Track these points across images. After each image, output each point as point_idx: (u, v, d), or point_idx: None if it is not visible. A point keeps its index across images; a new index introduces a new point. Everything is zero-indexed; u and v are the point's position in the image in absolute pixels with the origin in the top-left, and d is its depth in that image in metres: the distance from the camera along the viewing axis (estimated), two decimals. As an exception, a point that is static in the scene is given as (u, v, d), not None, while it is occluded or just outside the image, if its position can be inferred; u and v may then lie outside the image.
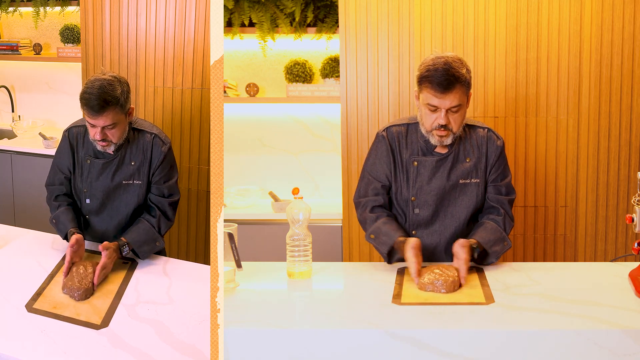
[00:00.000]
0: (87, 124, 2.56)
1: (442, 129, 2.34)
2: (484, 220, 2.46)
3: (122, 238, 2.56)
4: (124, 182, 2.66)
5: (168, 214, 2.70)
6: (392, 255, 2.43)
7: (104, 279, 2.39)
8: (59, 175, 2.73)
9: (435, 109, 2.33)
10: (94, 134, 2.54)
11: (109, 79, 2.50)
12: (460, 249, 2.28)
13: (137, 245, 2.57)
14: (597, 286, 2.18)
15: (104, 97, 2.45)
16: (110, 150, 2.62)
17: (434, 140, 2.39)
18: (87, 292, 2.28)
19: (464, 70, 2.31)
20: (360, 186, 2.55)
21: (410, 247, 2.28)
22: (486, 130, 2.48)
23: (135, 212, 2.71)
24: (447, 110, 2.32)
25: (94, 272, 2.36)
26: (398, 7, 3.32)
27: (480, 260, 2.38)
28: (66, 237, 2.61)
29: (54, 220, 2.68)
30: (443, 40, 3.29)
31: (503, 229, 2.43)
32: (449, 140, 2.39)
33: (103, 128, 2.51)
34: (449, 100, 2.30)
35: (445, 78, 2.27)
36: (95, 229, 2.74)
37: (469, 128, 2.48)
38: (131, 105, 2.60)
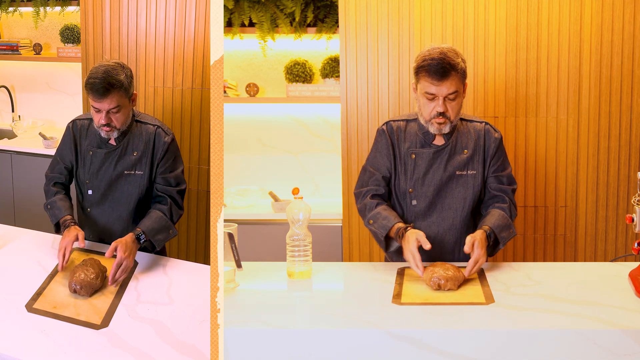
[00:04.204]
0: (92, 110, 2.59)
1: (441, 116, 2.41)
2: (489, 209, 2.49)
3: (137, 228, 2.56)
4: (125, 172, 2.69)
5: (178, 202, 2.72)
6: (389, 243, 2.47)
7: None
8: (60, 165, 2.77)
9: (433, 97, 2.40)
10: (99, 119, 2.58)
11: (113, 65, 2.57)
12: (477, 247, 2.30)
13: (152, 233, 2.58)
14: (597, 286, 2.18)
15: (108, 80, 2.51)
16: (114, 136, 2.64)
17: (433, 129, 2.45)
18: (93, 288, 2.28)
19: (459, 60, 2.40)
20: (361, 178, 2.59)
21: (414, 239, 2.30)
22: (484, 124, 2.54)
23: (136, 206, 2.72)
24: (444, 98, 2.39)
25: (97, 271, 2.34)
26: (398, 7, 3.32)
27: (490, 249, 2.41)
28: (58, 224, 2.64)
29: (48, 206, 2.70)
30: (443, 40, 3.29)
31: (509, 216, 2.47)
32: (447, 129, 2.44)
33: (108, 112, 2.56)
34: (446, 87, 2.37)
35: (442, 66, 2.35)
36: (95, 222, 2.75)
37: (467, 122, 2.54)
38: (134, 92, 2.64)
